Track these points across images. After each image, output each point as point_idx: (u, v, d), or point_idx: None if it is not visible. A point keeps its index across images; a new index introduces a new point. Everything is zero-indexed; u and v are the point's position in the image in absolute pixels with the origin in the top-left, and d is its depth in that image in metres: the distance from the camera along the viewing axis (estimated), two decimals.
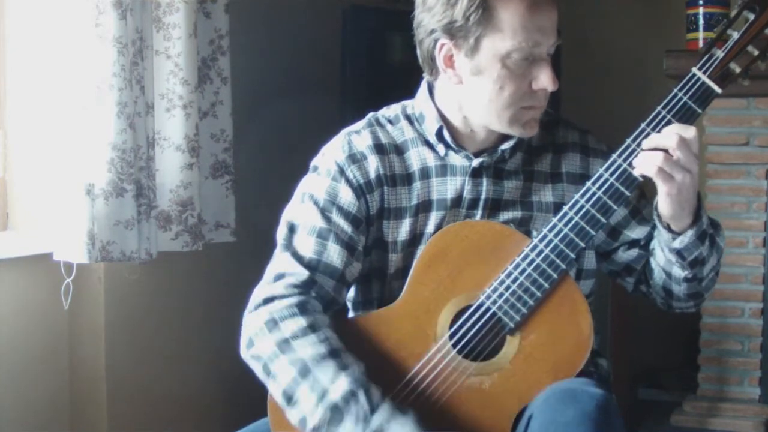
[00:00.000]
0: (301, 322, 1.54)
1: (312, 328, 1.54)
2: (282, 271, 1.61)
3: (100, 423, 2.45)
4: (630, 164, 1.55)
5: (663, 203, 1.53)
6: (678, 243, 1.57)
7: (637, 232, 1.71)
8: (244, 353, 1.58)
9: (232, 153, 2.65)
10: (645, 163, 1.51)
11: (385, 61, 3.10)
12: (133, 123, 2.27)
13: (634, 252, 1.72)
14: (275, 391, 1.54)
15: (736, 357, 3.27)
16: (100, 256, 2.24)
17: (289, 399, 1.51)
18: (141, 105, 2.31)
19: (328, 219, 1.63)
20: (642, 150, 1.53)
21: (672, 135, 1.50)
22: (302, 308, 1.56)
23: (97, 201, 2.23)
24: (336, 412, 1.47)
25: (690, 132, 1.50)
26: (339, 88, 3.15)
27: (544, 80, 1.58)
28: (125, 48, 2.23)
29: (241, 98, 2.77)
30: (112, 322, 2.47)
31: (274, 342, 1.53)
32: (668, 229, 1.57)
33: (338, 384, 1.48)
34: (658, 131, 1.54)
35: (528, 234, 1.63)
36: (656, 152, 1.50)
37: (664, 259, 1.63)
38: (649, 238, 1.69)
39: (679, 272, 1.62)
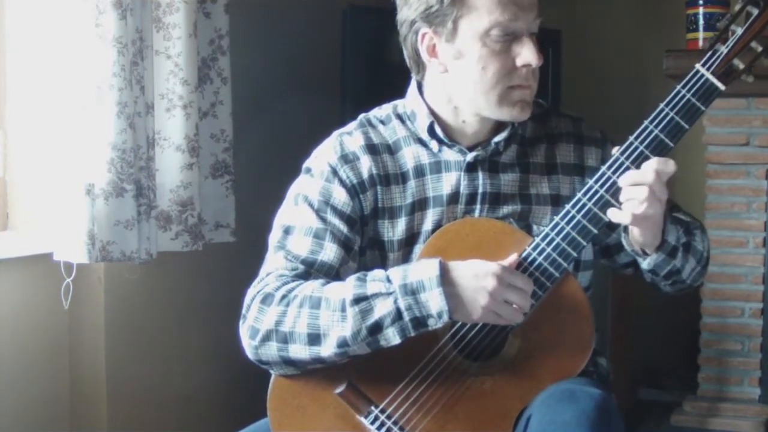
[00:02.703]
0: (295, 282, 1.56)
1: (305, 280, 1.56)
2: (276, 268, 1.61)
3: (100, 423, 2.45)
4: (632, 161, 1.55)
5: (638, 235, 1.55)
6: (646, 264, 1.59)
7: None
8: (253, 346, 1.55)
9: (232, 153, 2.65)
10: (624, 215, 1.51)
11: (385, 61, 3.10)
12: (133, 123, 2.26)
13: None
14: (300, 350, 1.51)
15: (736, 357, 3.27)
16: (100, 256, 2.24)
17: (317, 337, 1.50)
18: (141, 105, 2.31)
19: (323, 219, 1.62)
20: (619, 185, 1.52)
21: (649, 172, 1.49)
22: (294, 279, 1.57)
23: (97, 201, 2.23)
24: (362, 302, 1.48)
25: (669, 166, 1.50)
26: (339, 88, 3.14)
27: (527, 55, 1.57)
28: (125, 48, 2.23)
29: (241, 98, 2.77)
30: (112, 322, 2.46)
31: (275, 305, 1.53)
32: (638, 252, 1.59)
33: (347, 286, 1.50)
34: (661, 129, 1.54)
35: (528, 228, 1.64)
36: (633, 202, 1.49)
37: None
38: None
39: (657, 280, 1.65)
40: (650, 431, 3.32)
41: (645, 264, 1.59)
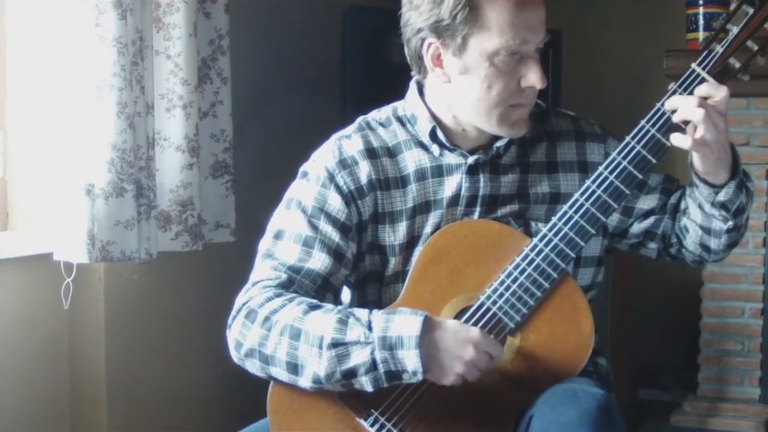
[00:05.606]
0: (278, 301, 1.55)
1: (289, 300, 1.55)
2: (261, 278, 1.61)
3: (100, 423, 2.45)
4: (629, 162, 1.55)
5: (698, 162, 1.55)
6: (723, 195, 1.57)
7: (648, 203, 1.71)
8: (238, 357, 1.57)
9: (232, 153, 2.65)
10: (684, 139, 1.51)
11: (385, 61, 3.10)
12: (133, 123, 2.26)
13: (650, 219, 1.72)
14: (281, 373, 1.52)
15: (736, 357, 3.27)
16: (100, 256, 2.24)
17: (295, 367, 1.50)
18: (141, 105, 2.31)
19: (314, 227, 1.62)
20: (668, 112, 1.54)
21: (694, 97, 1.51)
22: (278, 294, 1.56)
23: (97, 201, 2.23)
24: (339, 347, 1.47)
25: (721, 91, 1.51)
26: (339, 88, 3.14)
27: (533, 78, 1.57)
28: (125, 48, 2.23)
29: (241, 98, 2.76)
30: (112, 322, 2.46)
31: (259, 326, 1.53)
32: (709, 184, 1.57)
33: (328, 323, 1.48)
34: (657, 129, 1.55)
35: (527, 225, 1.64)
36: (690, 126, 1.51)
37: (702, 216, 1.62)
38: (663, 203, 1.70)
39: (720, 225, 1.62)
40: (650, 431, 3.32)
41: (721, 196, 1.57)
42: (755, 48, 1.55)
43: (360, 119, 1.73)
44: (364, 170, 1.65)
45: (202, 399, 2.80)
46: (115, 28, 2.21)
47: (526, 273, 1.55)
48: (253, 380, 1.62)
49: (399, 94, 1.75)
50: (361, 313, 1.50)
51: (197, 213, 2.50)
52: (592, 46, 3.94)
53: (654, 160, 1.56)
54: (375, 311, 1.51)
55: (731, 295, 3.26)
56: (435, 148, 1.66)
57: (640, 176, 1.56)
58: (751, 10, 1.54)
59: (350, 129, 1.71)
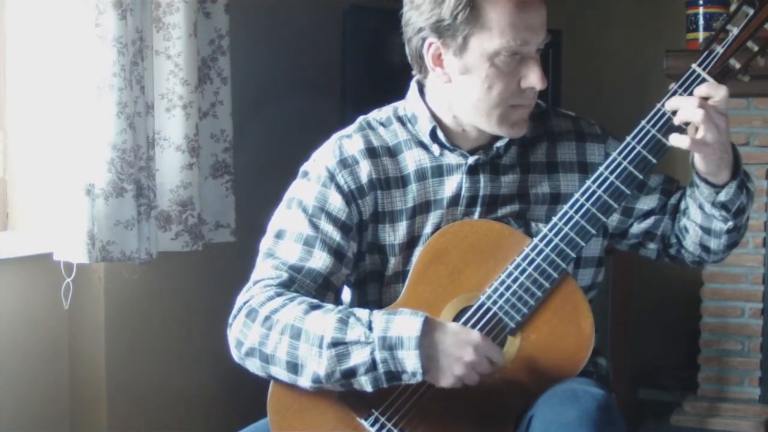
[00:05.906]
0: (279, 300, 1.55)
1: (290, 300, 1.55)
2: (262, 277, 1.61)
3: (100, 423, 2.45)
4: (629, 162, 1.55)
5: (700, 162, 1.55)
6: (723, 196, 1.57)
7: (648, 203, 1.71)
8: (238, 356, 1.58)
9: (232, 153, 2.65)
10: (683, 140, 1.52)
11: (385, 61, 3.10)
12: (133, 123, 2.26)
13: (650, 220, 1.72)
14: (281, 373, 1.52)
15: (736, 357, 3.27)
16: (100, 256, 2.24)
17: (295, 366, 1.50)
18: (141, 105, 2.31)
19: (315, 226, 1.62)
20: (667, 113, 1.55)
21: (695, 98, 1.51)
22: (279, 293, 1.56)
23: (97, 201, 2.23)
24: (339, 347, 1.47)
25: (720, 92, 1.51)
26: (339, 88, 3.14)
27: (533, 79, 1.57)
28: (125, 48, 2.23)
29: (241, 98, 2.77)
30: (112, 322, 2.46)
31: (259, 325, 1.53)
32: (710, 184, 1.58)
33: (328, 323, 1.48)
34: (658, 129, 1.55)
35: (527, 225, 1.64)
36: (691, 127, 1.52)
37: (702, 216, 1.62)
38: (663, 203, 1.71)
39: (720, 226, 1.62)
40: (650, 431, 3.32)
41: (722, 196, 1.57)
42: (755, 49, 1.55)
43: (360, 119, 1.73)
44: (365, 169, 1.65)
45: (202, 399, 2.80)
46: (115, 28, 2.21)
47: (526, 273, 1.55)
48: (253, 380, 1.62)
49: (399, 94, 1.75)
50: (362, 313, 1.50)
51: (197, 213, 2.50)
52: (592, 46, 3.94)
53: (654, 161, 1.56)
54: (376, 311, 1.51)
55: (731, 295, 3.26)
56: (435, 148, 1.66)
57: (641, 176, 1.56)
58: (751, 11, 1.55)
59: (351, 128, 1.71)
